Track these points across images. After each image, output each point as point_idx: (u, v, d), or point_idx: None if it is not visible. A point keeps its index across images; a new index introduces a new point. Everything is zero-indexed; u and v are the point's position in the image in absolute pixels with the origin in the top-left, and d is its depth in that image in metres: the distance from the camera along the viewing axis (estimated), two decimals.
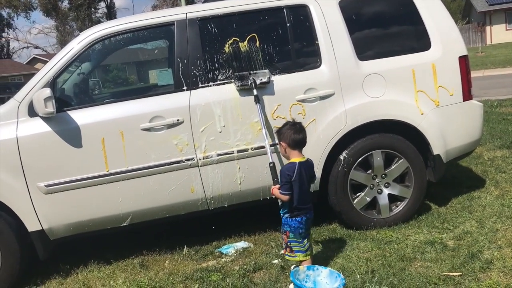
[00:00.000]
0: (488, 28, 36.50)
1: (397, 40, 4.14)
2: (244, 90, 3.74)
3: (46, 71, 3.65)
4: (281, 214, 3.22)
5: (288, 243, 3.17)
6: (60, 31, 53.07)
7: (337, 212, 4.01)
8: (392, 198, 4.06)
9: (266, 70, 3.78)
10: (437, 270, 3.24)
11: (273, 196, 3.24)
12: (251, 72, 3.75)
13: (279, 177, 3.18)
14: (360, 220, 3.99)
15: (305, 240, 3.17)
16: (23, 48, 55.30)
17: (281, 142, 3.22)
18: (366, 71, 3.91)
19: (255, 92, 3.69)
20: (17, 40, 52.81)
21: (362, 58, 3.94)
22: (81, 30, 42.99)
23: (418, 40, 4.09)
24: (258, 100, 3.69)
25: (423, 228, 3.93)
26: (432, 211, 4.26)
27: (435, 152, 4.01)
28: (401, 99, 3.94)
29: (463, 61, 4.06)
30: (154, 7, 47.18)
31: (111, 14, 50.89)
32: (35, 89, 3.58)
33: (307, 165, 3.19)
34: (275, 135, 3.50)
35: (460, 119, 4.09)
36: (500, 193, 4.48)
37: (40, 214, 3.60)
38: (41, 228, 3.62)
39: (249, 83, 3.70)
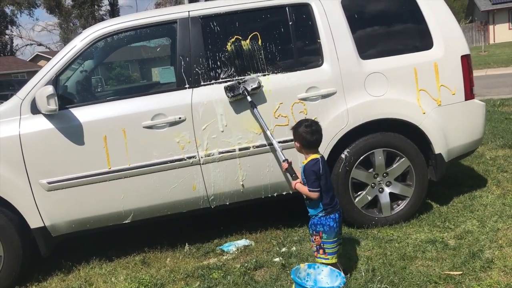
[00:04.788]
0: (491, 27, 36.40)
1: (399, 39, 4.14)
2: (238, 100, 3.73)
3: (48, 69, 3.67)
4: (312, 215, 3.08)
5: (322, 245, 3.00)
6: (63, 29, 53.14)
7: None
8: (394, 197, 4.06)
9: (254, 76, 3.77)
10: (437, 269, 3.25)
11: (296, 191, 3.13)
12: (240, 81, 3.74)
13: (304, 176, 3.06)
14: (361, 218, 4.00)
15: (338, 240, 3.05)
16: (26, 45, 55.76)
17: (295, 142, 3.13)
18: (368, 70, 3.91)
19: (249, 99, 3.69)
20: (21, 37, 53.11)
21: (364, 57, 3.94)
22: (84, 27, 43.03)
23: (420, 39, 4.09)
24: (254, 105, 3.69)
25: (424, 227, 3.94)
26: (434, 210, 4.27)
27: (437, 151, 4.01)
28: (403, 98, 3.94)
29: (465, 60, 4.06)
30: (157, 5, 47.21)
31: (114, 11, 50.90)
32: (38, 87, 3.60)
33: (324, 160, 3.11)
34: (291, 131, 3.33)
35: (462, 118, 4.09)
36: (502, 192, 4.48)
37: (42, 211, 3.61)
38: (43, 225, 3.64)
39: (241, 92, 3.69)
